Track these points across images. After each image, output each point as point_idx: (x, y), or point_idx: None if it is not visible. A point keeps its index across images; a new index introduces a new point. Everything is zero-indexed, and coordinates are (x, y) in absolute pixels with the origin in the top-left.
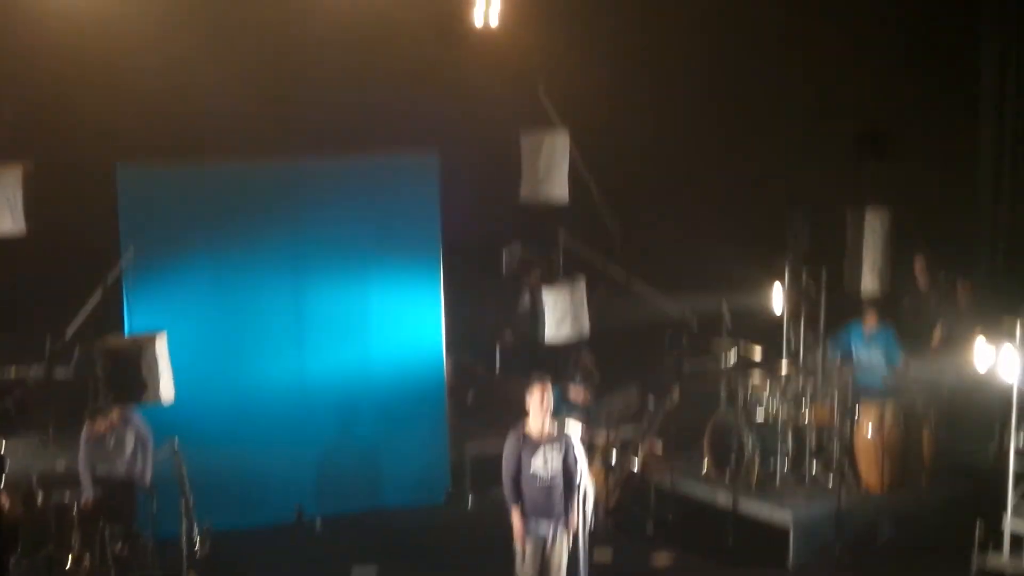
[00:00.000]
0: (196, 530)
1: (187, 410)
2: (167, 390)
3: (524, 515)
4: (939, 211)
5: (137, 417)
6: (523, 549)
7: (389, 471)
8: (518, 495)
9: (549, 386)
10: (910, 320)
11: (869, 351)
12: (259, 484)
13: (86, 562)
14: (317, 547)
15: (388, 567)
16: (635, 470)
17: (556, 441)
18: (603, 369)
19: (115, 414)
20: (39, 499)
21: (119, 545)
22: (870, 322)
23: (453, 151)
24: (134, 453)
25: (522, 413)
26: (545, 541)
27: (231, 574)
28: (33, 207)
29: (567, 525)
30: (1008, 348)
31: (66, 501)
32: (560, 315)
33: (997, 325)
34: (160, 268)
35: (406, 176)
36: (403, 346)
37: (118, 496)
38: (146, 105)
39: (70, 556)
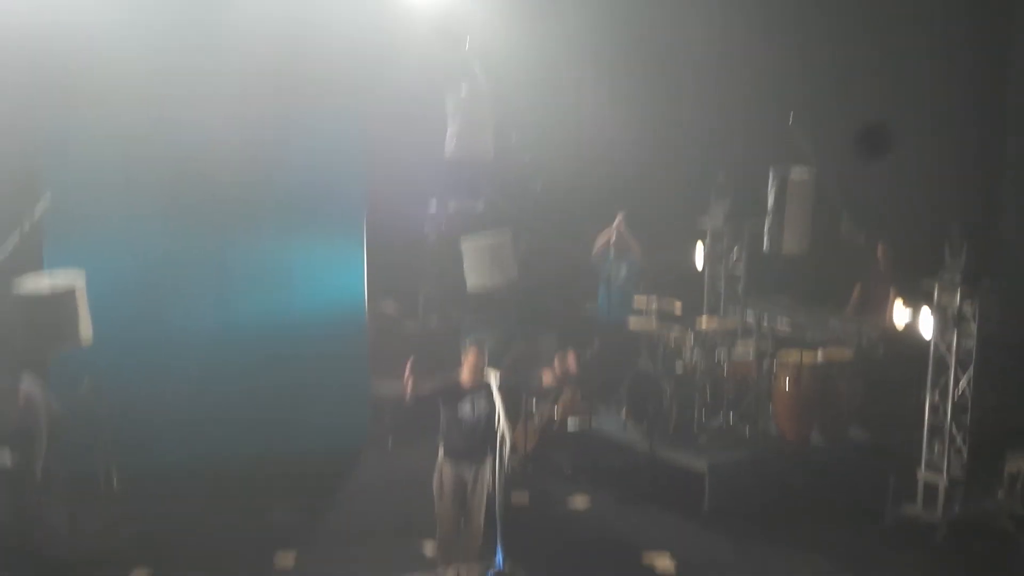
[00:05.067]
0: (112, 468)
1: (106, 352)
2: (86, 332)
3: (447, 456)
4: (864, 173)
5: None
6: (441, 489)
7: (310, 414)
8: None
9: (484, 350)
10: (832, 277)
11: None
12: (178, 426)
13: None
14: (237, 488)
15: (309, 509)
16: (555, 417)
17: (481, 390)
18: (526, 319)
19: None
20: None
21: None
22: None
23: (378, 105)
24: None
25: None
26: (465, 483)
27: (148, 513)
28: None
29: (486, 468)
30: (925, 309)
31: None
32: (482, 266)
33: (914, 287)
34: (79, 211)
35: (330, 124)
36: (325, 291)
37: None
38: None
39: None
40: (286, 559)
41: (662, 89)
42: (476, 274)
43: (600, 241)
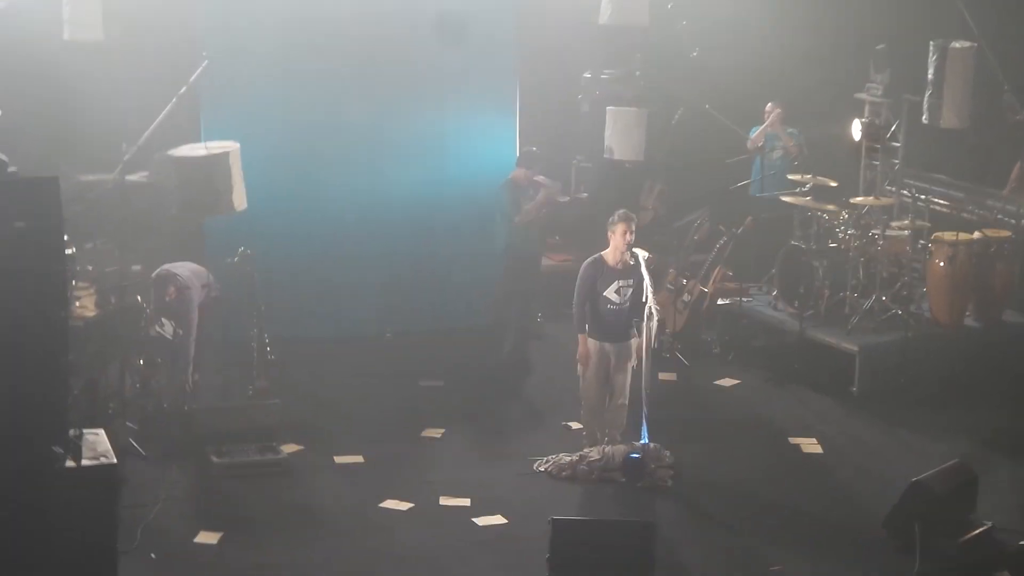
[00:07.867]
0: (266, 337)
1: (259, 222)
2: (240, 201)
3: (593, 337)
4: None
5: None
6: (586, 369)
7: (459, 291)
8: (586, 321)
9: (633, 224)
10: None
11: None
12: (329, 297)
13: (158, 361)
14: (385, 361)
15: (454, 383)
16: (705, 294)
17: (630, 270)
18: (676, 195)
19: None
20: (113, 300)
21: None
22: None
23: None
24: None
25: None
26: (610, 360)
27: (300, 382)
28: (113, 15)
29: (630, 344)
30: None
31: (140, 301)
32: (622, 135)
33: None
34: (235, 79)
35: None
36: (477, 165)
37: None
38: None
39: (141, 360)
40: (433, 434)
41: None
42: (615, 141)
43: (756, 138)
